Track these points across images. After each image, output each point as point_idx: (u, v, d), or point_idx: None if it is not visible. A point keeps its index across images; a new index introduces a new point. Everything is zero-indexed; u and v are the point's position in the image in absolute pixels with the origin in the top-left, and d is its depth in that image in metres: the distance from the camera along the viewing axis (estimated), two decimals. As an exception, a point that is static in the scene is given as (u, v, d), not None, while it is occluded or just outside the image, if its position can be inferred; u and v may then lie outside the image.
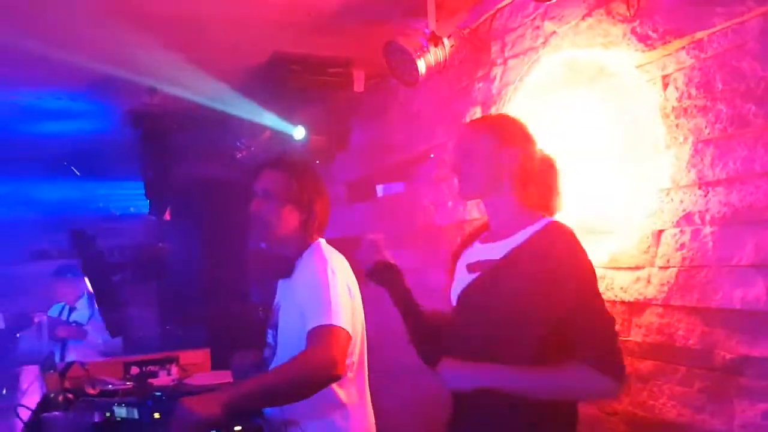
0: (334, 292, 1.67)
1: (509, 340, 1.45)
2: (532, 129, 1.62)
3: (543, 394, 1.42)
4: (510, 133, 1.57)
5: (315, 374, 1.56)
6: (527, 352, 1.43)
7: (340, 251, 1.87)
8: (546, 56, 2.14)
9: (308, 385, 1.58)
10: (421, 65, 2.33)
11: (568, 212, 2.00)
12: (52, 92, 3.46)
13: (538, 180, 1.57)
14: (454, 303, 1.63)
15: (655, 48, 1.73)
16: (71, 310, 4.27)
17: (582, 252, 1.46)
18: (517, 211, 1.55)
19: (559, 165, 1.60)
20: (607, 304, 1.50)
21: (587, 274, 1.45)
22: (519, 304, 1.43)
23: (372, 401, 1.88)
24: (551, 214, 1.55)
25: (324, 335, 1.59)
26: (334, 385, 1.73)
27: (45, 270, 4.74)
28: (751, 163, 1.48)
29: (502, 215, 1.58)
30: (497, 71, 2.42)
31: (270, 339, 1.91)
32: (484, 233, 1.65)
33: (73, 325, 4.13)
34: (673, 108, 1.68)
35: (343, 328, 1.62)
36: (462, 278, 1.61)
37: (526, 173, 1.55)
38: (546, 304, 1.40)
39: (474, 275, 1.55)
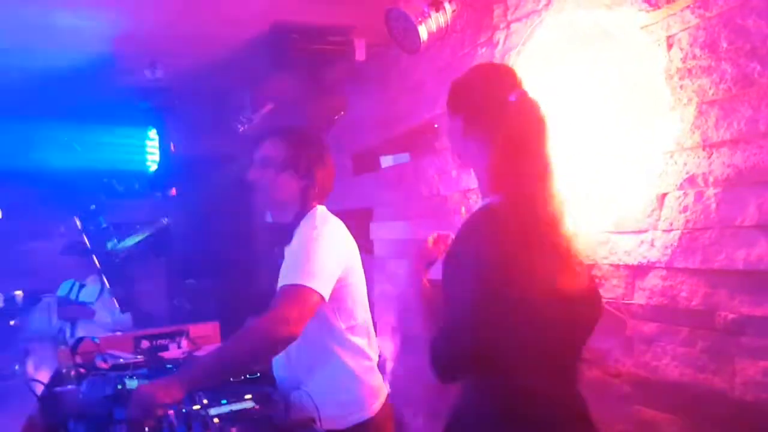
0: (314, 254, 1.67)
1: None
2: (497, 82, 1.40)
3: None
4: (456, 98, 1.43)
5: (267, 337, 1.57)
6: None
7: (347, 223, 1.88)
8: (549, 19, 2.11)
9: (263, 349, 1.61)
10: (423, 31, 2.30)
11: (572, 178, 2.01)
12: (54, 68, 3.43)
13: (518, 147, 1.30)
14: None
15: (659, 8, 1.70)
16: (81, 287, 4.32)
17: (477, 240, 1.24)
18: (481, 182, 1.40)
19: (546, 113, 1.33)
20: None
21: (467, 262, 1.23)
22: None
23: (383, 367, 1.91)
24: (521, 186, 1.29)
25: (287, 294, 1.61)
26: (339, 350, 1.77)
27: (51, 248, 4.78)
28: (755, 123, 1.47)
29: (478, 184, 1.44)
30: (500, 36, 2.39)
31: None
32: None
33: (82, 305, 4.18)
34: (678, 69, 1.66)
35: (313, 290, 1.61)
36: None
37: (477, 135, 1.36)
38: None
39: None
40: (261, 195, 1.85)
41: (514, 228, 1.23)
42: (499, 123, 1.31)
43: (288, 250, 1.81)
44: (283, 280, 1.66)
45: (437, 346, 1.26)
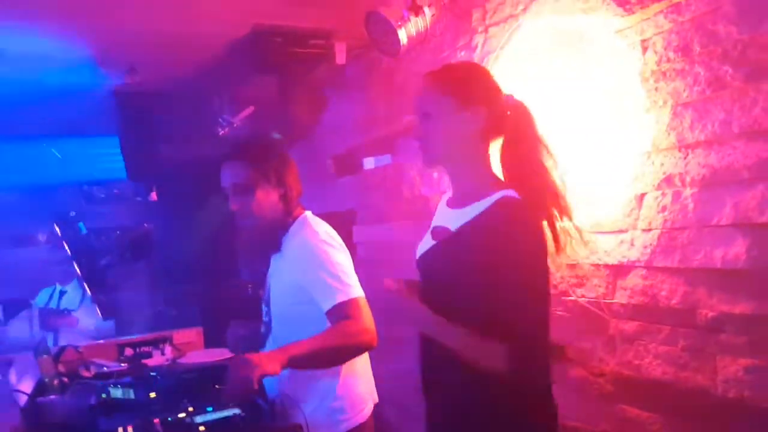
0: (339, 263, 1.71)
1: (459, 311, 1.38)
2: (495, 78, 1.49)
3: (457, 352, 1.35)
4: (470, 92, 1.43)
5: (359, 344, 1.66)
6: (475, 324, 1.35)
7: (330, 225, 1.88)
8: (527, 23, 2.13)
9: (352, 352, 1.69)
10: (403, 35, 2.31)
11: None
12: (31, 72, 3.38)
13: (511, 135, 1.45)
14: (415, 262, 1.59)
15: (633, 12, 1.73)
16: (61, 293, 4.26)
17: (528, 233, 1.33)
18: (478, 177, 1.45)
19: (532, 109, 1.46)
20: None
21: (527, 256, 1.32)
22: (465, 278, 1.37)
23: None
24: (521, 175, 1.42)
25: (352, 309, 1.65)
26: None
27: (32, 256, 4.70)
28: (728, 124, 1.50)
29: (464, 182, 1.49)
30: (479, 39, 2.41)
31: (264, 315, 1.93)
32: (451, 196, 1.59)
33: (64, 313, 4.12)
34: (653, 72, 1.69)
35: (362, 297, 1.69)
36: (426, 241, 1.58)
37: (492, 129, 1.44)
38: (489, 280, 1.32)
39: (433, 242, 1.53)
40: (248, 221, 1.83)
41: (539, 222, 1.36)
42: (507, 119, 1.43)
43: (291, 262, 1.79)
44: (331, 298, 1.66)
45: (523, 347, 1.29)
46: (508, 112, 1.45)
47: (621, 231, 1.82)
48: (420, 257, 1.58)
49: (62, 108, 3.92)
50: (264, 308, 1.94)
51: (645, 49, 1.71)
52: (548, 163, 1.41)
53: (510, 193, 1.39)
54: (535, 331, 1.33)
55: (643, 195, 1.75)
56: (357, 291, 1.70)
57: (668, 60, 1.64)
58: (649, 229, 1.73)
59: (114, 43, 2.99)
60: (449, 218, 1.52)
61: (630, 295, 1.80)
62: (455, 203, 1.53)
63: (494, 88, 1.46)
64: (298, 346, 1.60)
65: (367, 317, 1.66)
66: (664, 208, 1.69)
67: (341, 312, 1.65)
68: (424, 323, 1.41)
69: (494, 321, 1.30)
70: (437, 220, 1.59)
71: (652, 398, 1.74)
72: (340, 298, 1.66)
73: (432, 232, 1.58)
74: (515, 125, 1.44)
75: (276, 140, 1.97)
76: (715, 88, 1.53)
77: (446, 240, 1.48)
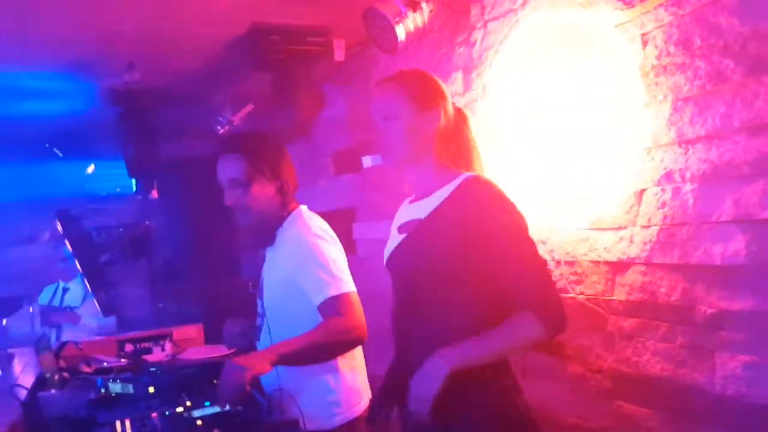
0: (331, 258, 1.71)
1: (444, 300, 1.43)
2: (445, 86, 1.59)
3: (504, 353, 1.40)
4: (428, 95, 1.52)
5: (348, 341, 1.68)
6: (464, 309, 1.41)
7: (329, 223, 1.88)
8: (525, 18, 2.12)
9: (342, 349, 1.71)
10: (400, 31, 2.30)
11: (551, 176, 2.02)
12: (29, 71, 3.38)
13: (455, 135, 1.56)
14: (385, 263, 1.62)
15: (633, 6, 1.71)
16: (65, 290, 4.27)
17: (506, 201, 1.42)
18: (438, 170, 1.53)
19: (469, 118, 1.61)
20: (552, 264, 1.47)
21: (514, 221, 1.41)
22: (448, 261, 1.41)
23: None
24: (471, 168, 1.55)
25: (342, 305, 1.66)
26: None
27: (35, 254, 4.72)
28: (729, 119, 1.49)
29: (425, 176, 1.55)
30: (477, 35, 2.39)
31: (259, 308, 1.94)
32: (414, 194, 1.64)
33: (67, 310, 4.14)
34: (653, 66, 1.68)
35: (353, 291, 1.70)
36: (393, 240, 1.60)
37: (445, 132, 1.53)
38: (477, 257, 1.38)
39: (402, 236, 1.55)
40: (244, 215, 1.83)
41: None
42: (453, 120, 1.57)
43: (285, 256, 1.79)
44: (324, 292, 1.67)
45: (554, 301, 1.38)
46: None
47: (621, 228, 1.81)
48: (390, 257, 1.60)
49: (61, 109, 3.92)
50: (259, 301, 1.94)
51: (645, 43, 1.69)
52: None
53: (470, 173, 1.50)
54: (554, 283, 1.43)
55: (642, 191, 1.74)
56: (348, 285, 1.70)
57: (668, 54, 1.63)
58: (649, 226, 1.72)
59: (112, 41, 2.99)
60: (414, 211, 1.56)
61: (629, 291, 1.79)
62: (418, 197, 1.59)
63: (445, 93, 1.56)
64: (288, 345, 1.62)
65: (357, 313, 1.66)
66: (663, 204, 1.67)
67: (332, 306, 1.65)
68: (465, 358, 1.34)
69: (515, 289, 1.37)
70: (400, 220, 1.62)
71: (650, 395, 1.73)
72: (332, 292, 1.66)
73: (399, 229, 1.60)
74: (461, 124, 1.59)
75: (271, 134, 1.95)
76: (715, 82, 1.51)
77: (418, 228, 1.51)
